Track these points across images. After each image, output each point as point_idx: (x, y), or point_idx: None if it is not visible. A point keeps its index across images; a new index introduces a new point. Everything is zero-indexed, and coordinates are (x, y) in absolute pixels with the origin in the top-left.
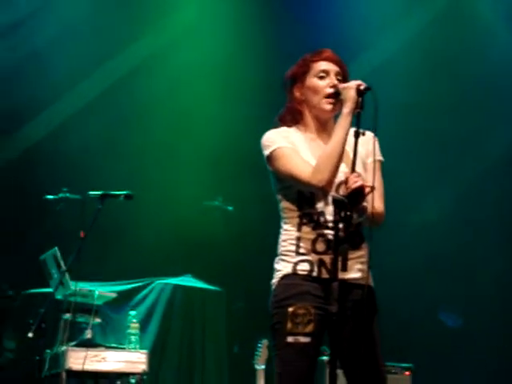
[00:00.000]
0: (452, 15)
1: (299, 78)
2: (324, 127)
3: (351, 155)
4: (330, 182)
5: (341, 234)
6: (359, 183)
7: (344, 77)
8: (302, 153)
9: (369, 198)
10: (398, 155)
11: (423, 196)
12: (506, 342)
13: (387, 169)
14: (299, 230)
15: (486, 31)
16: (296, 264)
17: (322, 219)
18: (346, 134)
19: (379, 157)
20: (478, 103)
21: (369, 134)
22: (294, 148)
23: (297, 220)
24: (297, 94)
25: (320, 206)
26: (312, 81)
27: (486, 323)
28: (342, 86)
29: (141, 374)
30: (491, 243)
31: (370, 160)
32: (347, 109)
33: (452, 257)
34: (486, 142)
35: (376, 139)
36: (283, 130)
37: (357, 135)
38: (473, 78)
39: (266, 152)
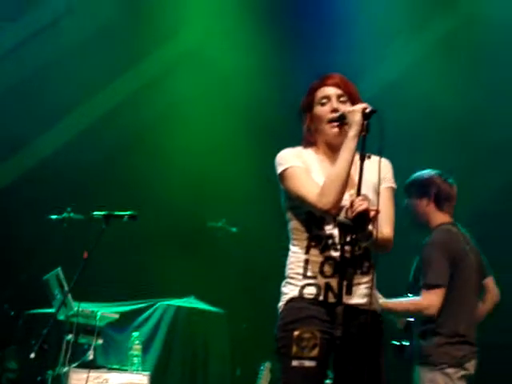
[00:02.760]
0: (461, 34)
1: (307, 107)
2: (335, 152)
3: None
4: (336, 205)
5: (346, 256)
6: (364, 206)
7: (351, 97)
8: (314, 173)
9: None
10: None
11: None
12: None
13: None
14: (307, 252)
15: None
16: (303, 288)
17: (330, 242)
18: (352, 157)
19: (392, 184)
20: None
21: (385, 161)
22: (305, 168)
23: (305, 242)
24: (308, 123)
25: (329, 228)
26: (317, 109)
27: None
28: (347, 109)
29: None
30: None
31: (384, 185)
32: (353, 132)
33: None
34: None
35: (390, 165)
36: (298, 149)
37: (362, 158)
38: (483, 97)
39: (279, 170)
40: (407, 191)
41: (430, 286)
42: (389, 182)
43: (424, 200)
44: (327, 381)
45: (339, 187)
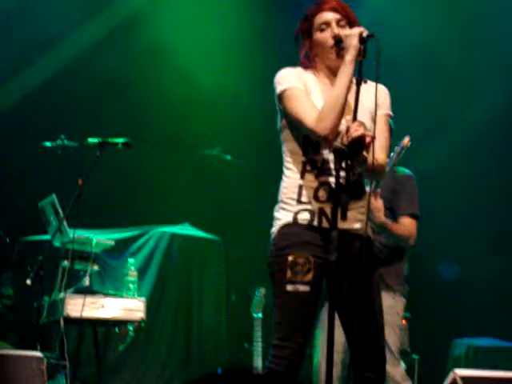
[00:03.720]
0: None
1: (305, 33)
2: (336, 76)
3: (358, 104)
4: (334, 130)
5: (341, 182)
6: (360, 132)
7: (350, 21)
8: (314, 94)
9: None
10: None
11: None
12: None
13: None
14: (302, 177)
15: None
16: (297, 213)
17: (325, 167)
18: (349, 82)
19: (388, 111)
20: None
21: (381, 87)
22: (305, 90)
23: (300, 166)
24: (307, 49)
25: (325, 152)
26: (317, 35)
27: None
28: (344, 33)
29: (138, 322)
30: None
31: (380, 112)
32: (349, 56)
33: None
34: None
35: (387, 93)
36: (298, 70)
37: (358, 83)
38: (479, 17)
39: (278, 90)
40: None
41: (416, 217)
42: (385, 108)
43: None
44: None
45: (337, 112)
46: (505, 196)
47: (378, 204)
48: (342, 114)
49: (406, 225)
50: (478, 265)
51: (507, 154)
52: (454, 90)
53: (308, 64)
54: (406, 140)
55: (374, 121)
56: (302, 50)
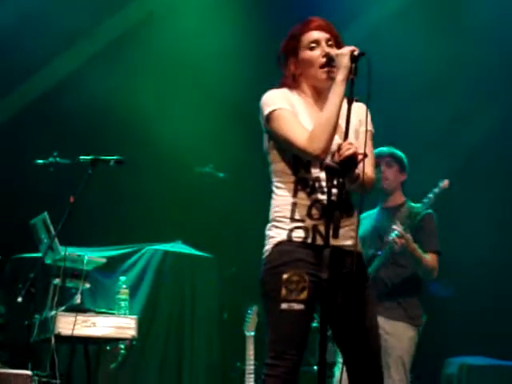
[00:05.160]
0: None
1: (291, 52)
2: (322, 95)
3: (343, 123)
4: (326, 150)
5: (333, 199)
6: (352, 150)
7: (336, 41)
8: (301, 116)
9: (360, 165)
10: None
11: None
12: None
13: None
14: (295, 195)
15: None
16: (291, 231)
17: (317, 185)
18: (341, 102)
19: (370, 127)
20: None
21: (360, 104)
22: (293, 111)
23: (292, 185)
24: (292, 68)
25: (315, 171)
26: (305, 53)
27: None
28: (335, 52)
29: (130, 340)
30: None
31: (362, 129)
32: (341, 76)
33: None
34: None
35: (367, 110)
36: (284, 91)
37: (350, 102)
38: (468, 42)
39: (265, 111)
40: (389, 161)
41: (439, 253)
42: (368, 125)
43: (404, 173)
44: (313, 324)
45: (329, 132)
46: (503, 214)
47: (409, 237)
48: (334, 133)
49: (432, 259)
50: (470, 282)
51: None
52: (453, 107)
53: (292, 84)
54: (446, 183)
55: (365, 139)
56: (285, 69)
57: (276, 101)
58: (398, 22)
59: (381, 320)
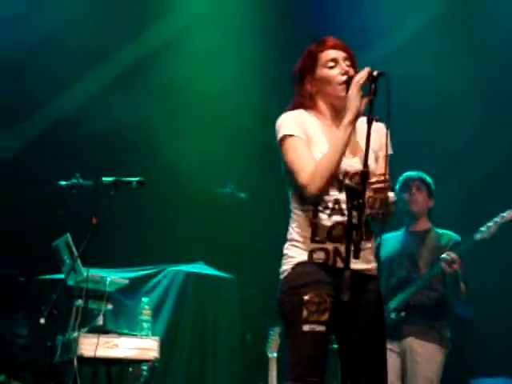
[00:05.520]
0: (466, 9)
1: (308, 71)
2: (339, 114)
3: (363, 143)
4: (323, 190)
5: (354, 221)
6: (385, 195)
7: (352, 61)
8: (317, 137)
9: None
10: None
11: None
12: None
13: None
14: (315, 216)
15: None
16: (312, 251)
17: (337, 206)
18: (345, 145)
19: (390, 150)
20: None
21: (381, 124)
22: (305, 139)
23: (311, 206)
24: (308, 86)
25: (334, 193)
26: (323, 72)
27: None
28: (353, 74)
29: (152, 361)
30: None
31: (381, 153)
32: (348, 118)
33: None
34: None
35: (388, 131)
36: (300, 113)
37: (370, 122)
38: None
39: (278, 135)
40: (419, 185)
41: (467, 282)
42: (389, 148)
43: (432, 199)
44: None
45: (328, 176)
46: None
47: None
48: (333, 177)
49: (464, 287)
50: (491, 303)
51: None
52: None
53: (308, 103)
54: (511, 214)
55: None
56: (301, 88)
57: (290, 125)
58: (416, 44)
59: (414, 342)
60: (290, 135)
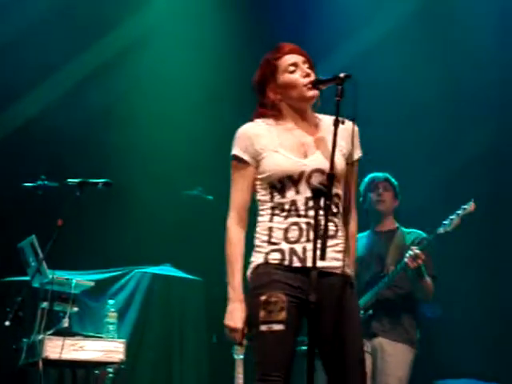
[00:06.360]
0: (435, 10)
1: (269, 79)
2: (303, 116)
3: (329, 143)
4: None
5: (319, 221)
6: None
7: (310, 64)
8: (271, 150)
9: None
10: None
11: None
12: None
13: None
14: (271, 220)
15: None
16: (268, 254)
17: (293, 208)
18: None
19: (359, 154)
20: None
21: (349, 123)
22: (245, 165)
23: (269, 211)
24: (271, 95)
25: (291, 195)
26: (285, 77)
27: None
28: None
29: (118, 364)
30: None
31: (356, 157)
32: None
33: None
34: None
35: (356, 130)
36: (258, 124)
37: (336, 124)
38: (454, 70)
39: (231, 151)
40: (386, 186)
41: (435, 278)
42: (358, 150)
43: (397, 200)
44: (302, 347)
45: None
46: (492, 229)
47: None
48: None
49: (431, 283)
50: (460, 305)
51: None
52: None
53: (270, 112)
54: (472, 206)
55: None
56: (262, 97)
57: (240, 144)
58: (387, 45)
59: (384, 341)
60: (236, 157)
